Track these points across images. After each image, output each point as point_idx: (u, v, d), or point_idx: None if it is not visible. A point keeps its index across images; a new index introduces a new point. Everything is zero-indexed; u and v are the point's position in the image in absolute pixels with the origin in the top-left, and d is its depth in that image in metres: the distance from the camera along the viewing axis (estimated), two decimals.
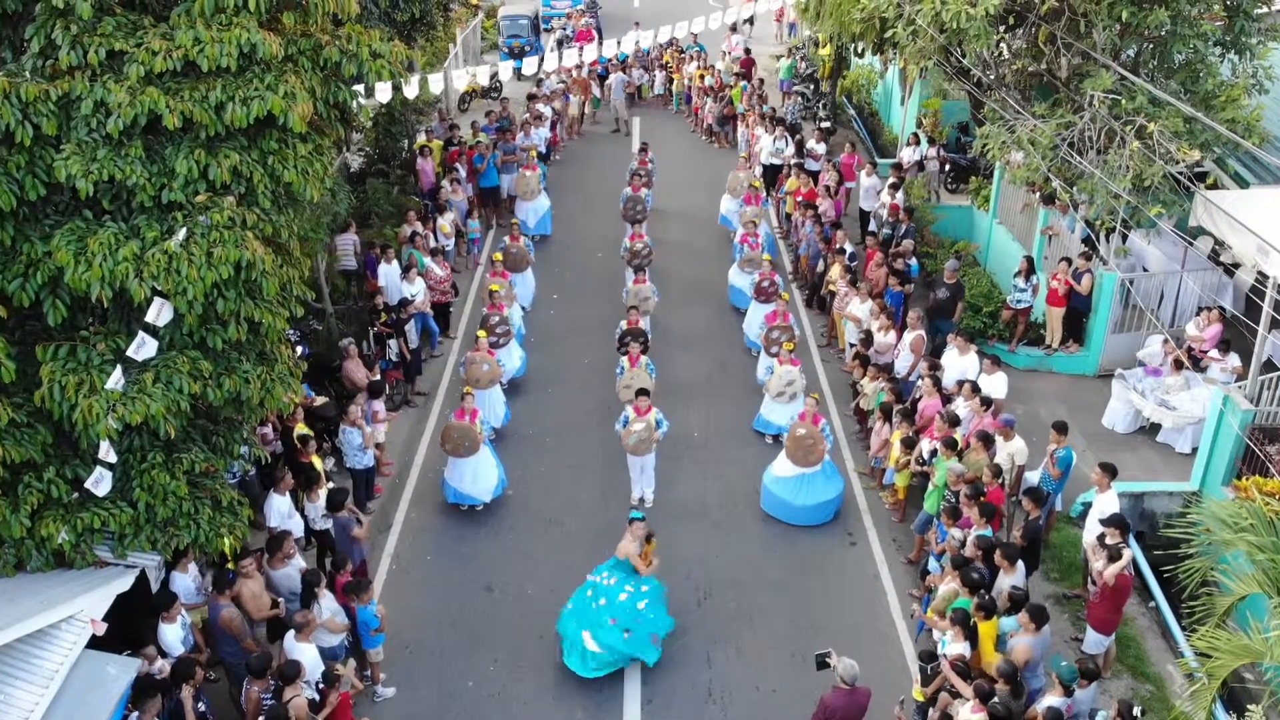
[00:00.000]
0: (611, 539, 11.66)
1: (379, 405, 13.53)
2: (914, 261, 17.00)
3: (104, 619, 8.92)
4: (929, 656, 9.87)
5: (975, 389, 12.96)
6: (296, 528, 11.38)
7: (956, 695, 9.16)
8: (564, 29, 32.74)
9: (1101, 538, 10.62)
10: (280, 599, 10.48)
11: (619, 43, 19.43)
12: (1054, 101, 15.39)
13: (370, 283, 16.40)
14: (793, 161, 21.21)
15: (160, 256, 8.37)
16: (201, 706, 9.36)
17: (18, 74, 8.46)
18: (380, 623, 10.39)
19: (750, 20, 33.32)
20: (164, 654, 9.52)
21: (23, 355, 8.86)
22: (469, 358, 14.44)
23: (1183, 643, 10.75)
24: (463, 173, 20.62)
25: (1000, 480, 11.37)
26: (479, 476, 13.17)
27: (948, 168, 21.41)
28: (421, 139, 22.30)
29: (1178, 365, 14.03)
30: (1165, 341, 14.72)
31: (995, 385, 13.43)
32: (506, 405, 15.06)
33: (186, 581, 10.23)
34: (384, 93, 14.13)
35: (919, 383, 13.82)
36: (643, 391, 13.24)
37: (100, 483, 9.05)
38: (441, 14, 21.30)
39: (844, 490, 13.29)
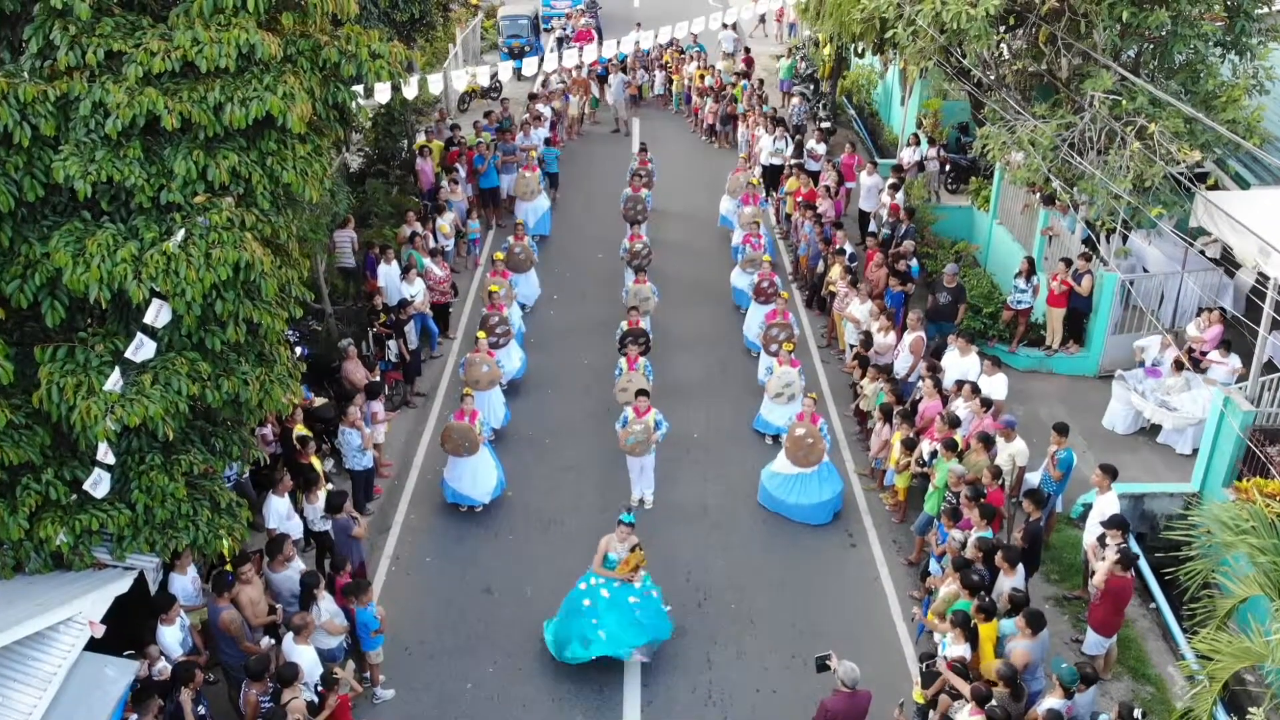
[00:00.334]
0: None
1: (378, 406, 13.52)
2: (915, 262, 16.97)
3: (102, 621, 8.91)
4: (929, 658, 9.85)
5: (975, 390, 12.96)
6: (295, 529, 11.37)
7: (957, 697, 9.14)
8: (564, 29, 32.74)
9: (1102, 539, 10.61)
10: (278, 605, 10.45)
11: (619, 43, 19.40)
12: (1054, 102, 15.37)
13: (370, 283, 16.40)
14: (793, 162, 21.20)
15: (159, 257, 8.35)
16: (201, 709, 9.32)
17: (16, 75, 8.43)
18: (379, 624, 10.37)
19: (762, 19, 33.43)
20: (163, 655, 9.51)
21: (21, 356, 8.84)
22: (469, 359, 14.41)
23: (1184, 645, 10.74)
24: (462, 173, 20.62)
25: (1001, 481, 11.36)
26: (478, 477, 13.16)
27: (948, 168, 21.38)
28: (421, 139, 22.29)
29: (1178, 366, 14.01)
30: (1163, 339, 14.72)
31: (995, 386, 13.42)
32: (506, 406, 15.03)
33: (185, 583, 10.21)
34: (383, 93, 14.07)
35: (919, 384, 13.81)
36: (642, 392, 13.23)
37: (99, 484, 9.03)
38: (441, 14, 21.27)
39: (842, 491, 13.26)
